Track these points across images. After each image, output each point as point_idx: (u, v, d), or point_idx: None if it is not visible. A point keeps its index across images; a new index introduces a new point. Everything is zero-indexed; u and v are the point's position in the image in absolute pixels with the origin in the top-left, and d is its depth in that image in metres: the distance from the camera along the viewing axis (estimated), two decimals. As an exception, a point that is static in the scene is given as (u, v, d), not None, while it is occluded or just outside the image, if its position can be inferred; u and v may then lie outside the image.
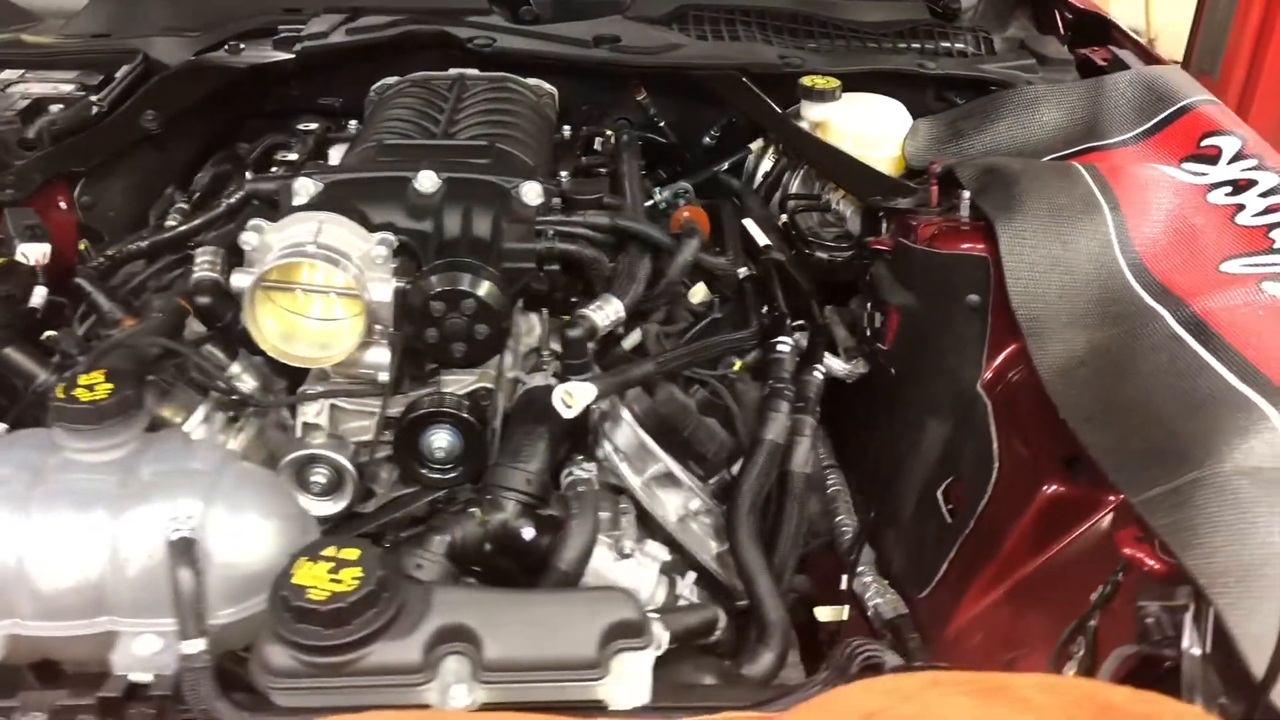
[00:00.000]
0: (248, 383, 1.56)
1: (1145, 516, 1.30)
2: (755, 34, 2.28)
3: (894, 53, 2.31)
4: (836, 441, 2.04)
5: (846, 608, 1.80)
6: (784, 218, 2.11)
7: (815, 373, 1.66)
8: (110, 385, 1.26)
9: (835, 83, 2.08)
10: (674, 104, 2.25)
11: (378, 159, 1.70)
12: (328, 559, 1.13)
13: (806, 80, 2.07)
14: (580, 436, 1.56)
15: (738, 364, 1.62)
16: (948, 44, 2.34)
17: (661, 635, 1.21)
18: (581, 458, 1.54)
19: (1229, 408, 1.38)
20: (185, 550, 1.13)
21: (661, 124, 2.25)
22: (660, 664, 1.23)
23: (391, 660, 1.11)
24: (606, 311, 1.53)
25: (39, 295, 1.67)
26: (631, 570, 1.55)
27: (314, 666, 1.10)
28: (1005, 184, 1.80)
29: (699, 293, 1.86)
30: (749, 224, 1.98)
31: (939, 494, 1.79)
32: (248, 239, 1.49)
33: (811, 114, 2.09)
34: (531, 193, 1.63)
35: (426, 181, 1.61)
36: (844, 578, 1.80)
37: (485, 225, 1.57)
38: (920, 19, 2.42)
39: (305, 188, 1.62)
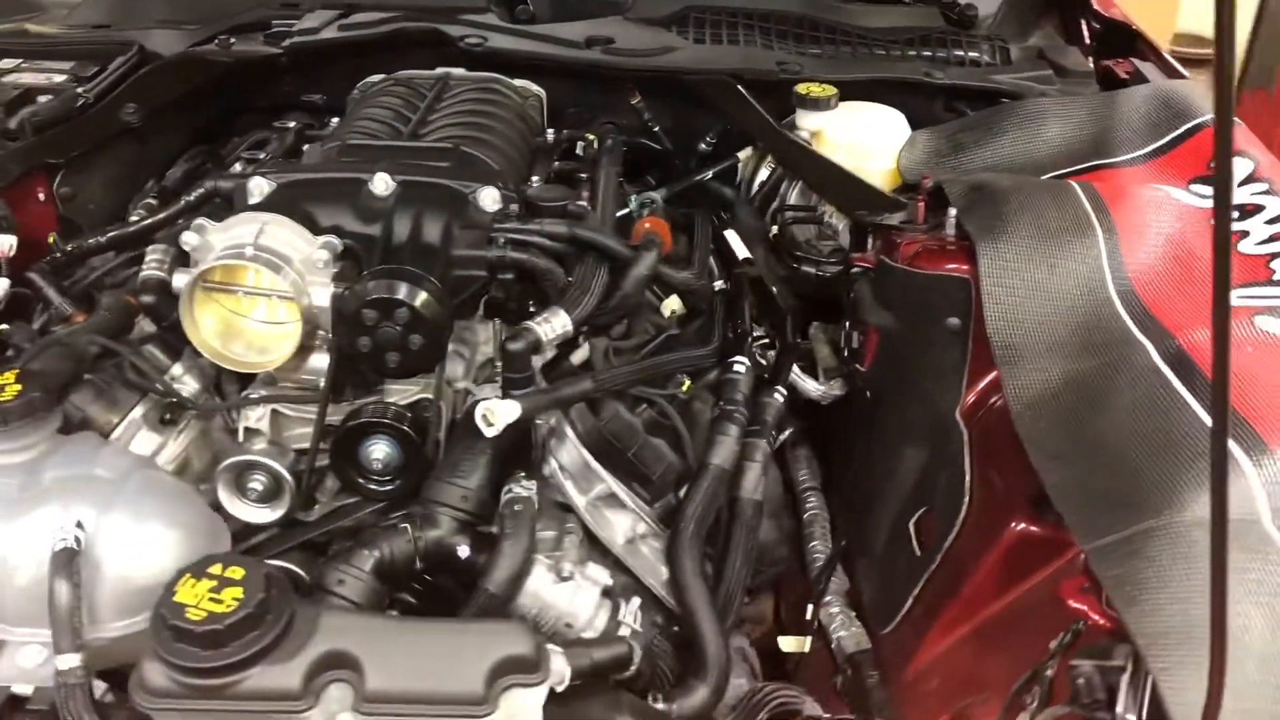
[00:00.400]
0: (189, 385, 1.53)
1: (1094, 565, 1.21)
2: (758, 39, 2.22)
3: (902, 60, 2.22)
4: (822, 463, 1.97)
5: (809, 639, 1.73)
6: (774, 230, 2.03)
7: (775, 395, 1.59)
8: (18, 387, 1.23)
9: (831, 91, 2.00)
10: (669, 109, 2.18)
11: (339, 159, 1.67)
12: (211, 577, 1.09)
13: (801, 88, 2.00)
14: (525, 453, 1.51)
15: (686, 384, 1.55)
16: (960, 53, 2.24)
17: (562, 670, 1.16)
18: (523, 475, 1.49)
19: (1199, 453, 1.28)
20: (65, 562, 1.10)
21: (656, 129, 2.19)
22: (564, 699, 1.18)
23: (270, 685, 1.07)
24: (553, 324, 1.47)
25: (1, 287, 1.66)
26: (570, 593, 1.49)
27: (190, 688, 1.06)
28: (993, 202, 1.71)
29: (671, 306, 1.80)
30: (730, 235, 1.92)
31: (911, 525, 1.70)
32: (188, 238, 1.47)
33: (806, 123, 2.01)
34: (488, 198, 1.58)
35: (380, 184, 1.57)
36: (809, 607, 1.73)
37: (436, 231, 1.52)
38: (933, 26, 2.33)
39: (259, 187, 1.59)
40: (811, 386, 1.80)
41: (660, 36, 2.17)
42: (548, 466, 1.52)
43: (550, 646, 1.17)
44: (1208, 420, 1.34)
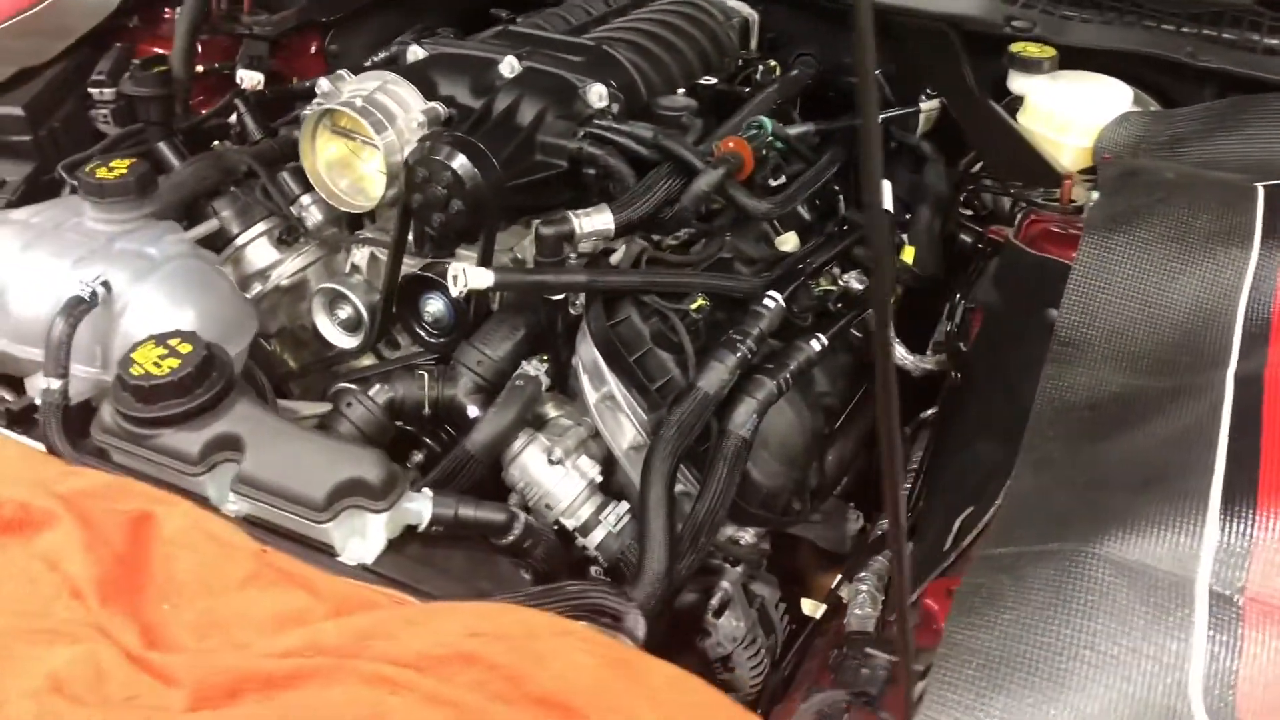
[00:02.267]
0: (314, 215, 1.74)
1: (969, 571, 1.08)
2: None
3: (1173, 35, 1.94)
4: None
5: (822, 606, 1.65)
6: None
7: (810, 343, 1.50)
8: (124, 170, 1.49)
9: (1049, 53, 1.81)
10: (896, 51, 2.07)
11: (492, 40, 1.79)
12: (167, 347, 1.27)
13: (1016, 46, 1.82)
14: (554, 339, 1.57)
15: (699, 301, 1.51)
16: (1258, 37, 1.92)
17: (420, 511, 1.22)
18: (540, 357, 1.55)
19: (1177, 493, 1.08)
20: (71, 307, 1.33)
21: (879, 71, 2.08)
22: (434, 544, 1.25)
23: (175, 446, 1.24)
24: (594, 220, 1.50)
25: (253, 80, 1.96)
26: (558, 477, 1.54)
27: (124, 432, 1.26)
28: (1140, 191, 1.49)
29: (789, 241, 1.75)
30: (885, 185, 1.81)
31: (957, 521, 1.56)
32: (321, 84, 1.66)
33: (1015, 85, 1.84)
34: (595, 94, 1.63)
35: (507, 67, 1.67)
36: (838, 579, 1.65)
37: (530, 114, 1.59)
38: (1239, 3, 2.01)
39: (414, 53, 1.76)
40: (900, 353, 1.69)
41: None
42: (576, 358, 1.57)
43: (422, 493, 1.24)
44: (1217, 467, 1.12)
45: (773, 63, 1.97)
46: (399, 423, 1.57)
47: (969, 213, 1.88)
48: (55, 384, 1.30)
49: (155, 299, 1.39)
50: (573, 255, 1.53)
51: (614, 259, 1.59)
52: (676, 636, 1.66)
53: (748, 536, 1.62)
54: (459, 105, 1.64)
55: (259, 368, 1.56)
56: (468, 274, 1.40)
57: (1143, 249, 1.40)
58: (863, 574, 1.65)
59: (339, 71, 1.68)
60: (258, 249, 1.75)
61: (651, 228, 1.61)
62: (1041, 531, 1.10)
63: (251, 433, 1.23)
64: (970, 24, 1.92)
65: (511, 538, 1.28)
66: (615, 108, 1.63)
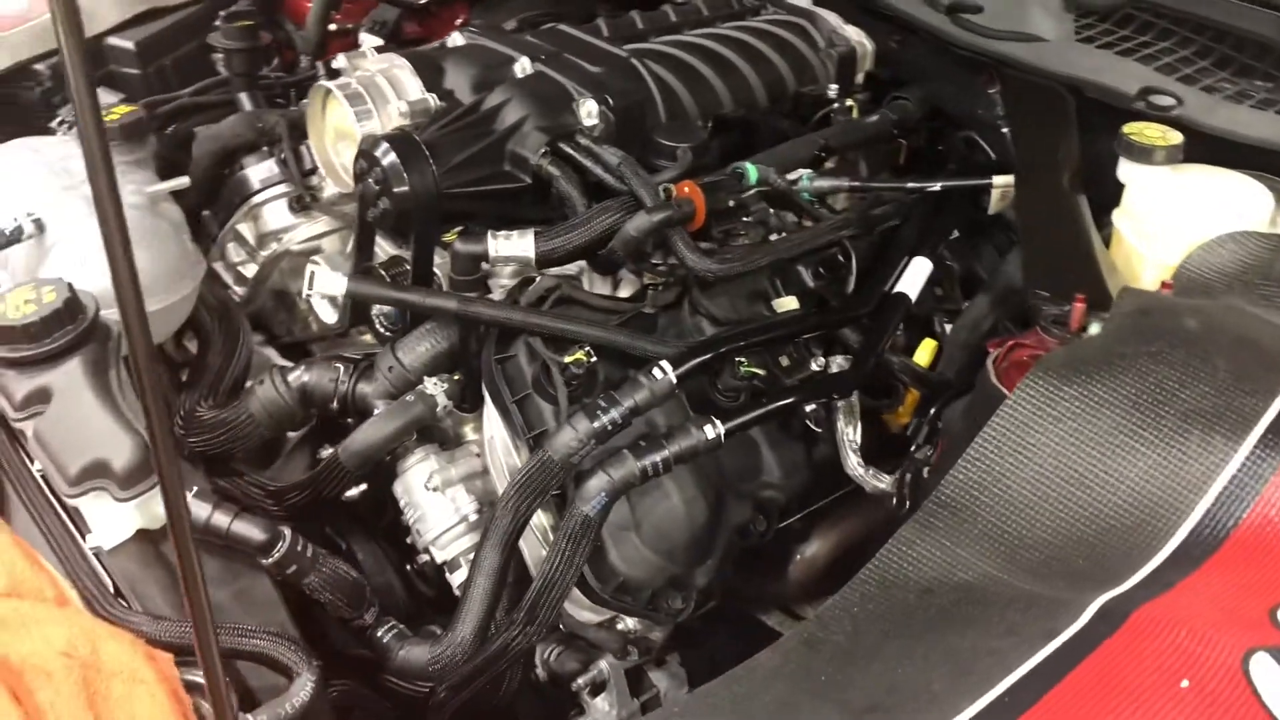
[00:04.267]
0: (330, 187, 1.74)
1: None
2: (1159, 46, 1.66)
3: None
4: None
5: None
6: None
7: (705, 429, 1.29)
8: (118, 115, 1.56)
9: (1171, 139, 1.46)
10: (1010, 110, 1.75)
11: (528, 37, 1.70)
12: (37, 293, 1.32)
13: (1131, 127, 1.48)
14: (467, 359, 1.48)
15: (578, 354, 1.34)
16: None
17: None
18: (447, 375, 1.47)
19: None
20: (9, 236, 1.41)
21: (1005, 131, 1.77)
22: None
23: (6, 386, 1.29)
24: (511, 244, 1.39)
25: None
26: (429, 504, 1.47)
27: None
28: (1138, 337, 1.17)
29: (787, 304, 1.54)
30: (917, 264, 1.54)
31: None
32: (338, 62, 1.65)
33: (1122, 173, 1.50)
34: (586, 110, 1.51)
35: (519, 68, 1.59)
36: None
37: (509, 120, 1.49)
38: None
39: (454, 40, 1.71)
40: (854, 462, 1.44)
41: (1045, 20, 1.74)
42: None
43: (191, 496, 1.21)
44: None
45: (850, 103, 1.72)
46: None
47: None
48: (-35, 307, 1.39)
49: (84, 244, 1.45)
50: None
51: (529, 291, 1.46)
52: (555, 705, 1.55)
53: (630, 624, 1.46)
54: (455, 100, 1.58)
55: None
56: (319, 277, 1.35)
57: (1094, 411, 1.10)
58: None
59: (364, 48, 1.66)
60: (274, 210, 1.79)
61: (605, 265, 1.48)
62: None
63: (63, 392, 1.25)
64: (1094, 91, 1.59)
65: (272, 559, 1.22)
66: (599, 128, 1.49)
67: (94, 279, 1.42)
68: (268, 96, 1.94)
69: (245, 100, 1.91)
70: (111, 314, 1.39)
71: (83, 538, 1.19)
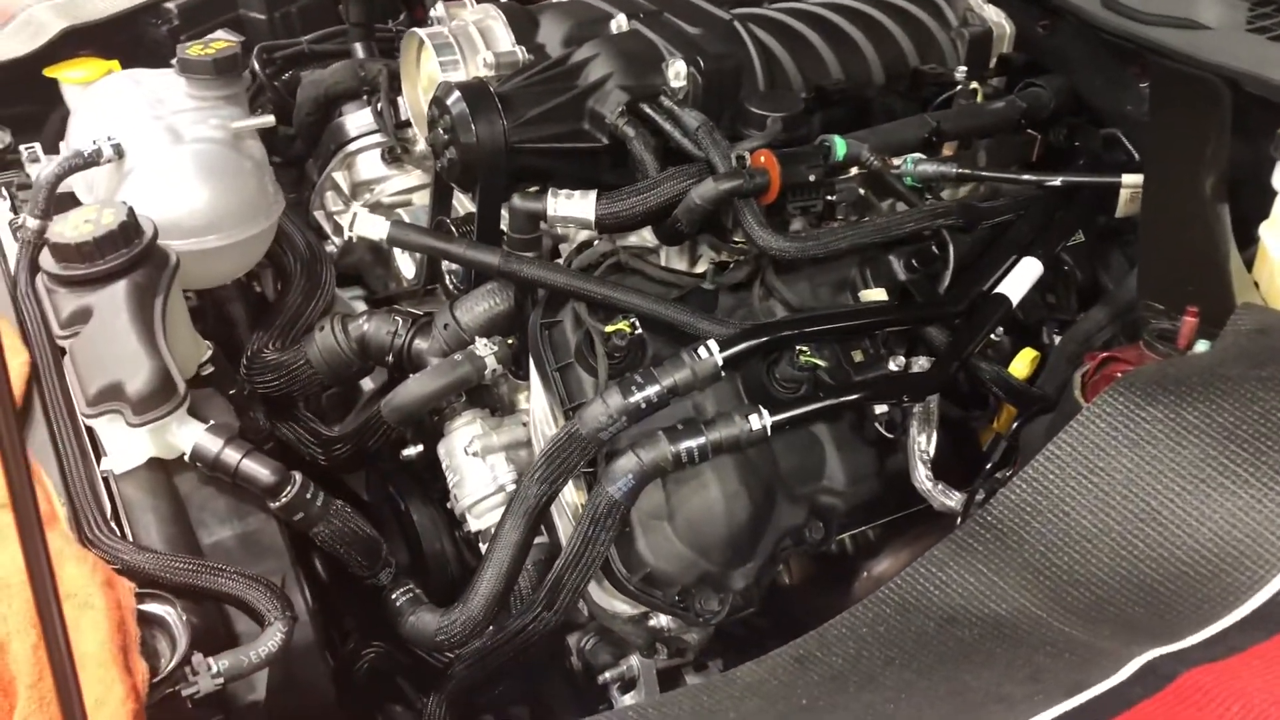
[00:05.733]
0: (421, 142, 1.70)
1: None
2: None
3: None
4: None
5: None
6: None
7: (750, 419, 1.18)
8: (211, 51, 1.56)
9: (1338, 144, 1.26)
10: (1156, 101, 1.56)
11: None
12: (96, 216, 1.32)
13: (1293, 128, 1.29)
14: (521, 323, 1.41)
15: (620, 324, 1.24)
16: None
17: (182, 438, 1.17)
18: (501, 338, 1.40)
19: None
20: (70, 157, 1.42)
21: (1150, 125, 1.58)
22: (210, 482, 1.20)
23: (57, 304, 1.29)
24: (571, 205, 1.31)
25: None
26: (468, 469, 1.42)
27: (44, 280, 1.33)
28: (1256, 358, 1.00)
29: (874, 294, 1.41)
30: (1026, 264, 1.38)
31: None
32: (437, 10, 1.61)
33: (1277, 180, 1.30)
34: (674, 71, 1.41)
35: (614, 25, 1.51)
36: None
37: (593, 77, 1.41)
38: None
39: (556, -8, 1.65)
40: (922, 475, 1.29)
41: (1212, 6, 1.54)
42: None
43: (196, 424, 1.18)
44: None
45: (975, 85, 1.56)
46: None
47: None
48: (32, 223, 1.40)
49: (160, 172, 1.45)
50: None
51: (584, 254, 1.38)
52: (587, 694, 1.46)
53: (664, 621, 1.36)
54: (544, 54, 1.51)
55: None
56: (360, 219, 1.29)
57: (1181, 438, 0.94)
58: None
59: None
60: (368, 160, 1.77)
61: (670, 235, 1.38)
62: None
63: (102, 312, 1.24)
64: (1255, 86, 1.39)
65: (280, 502, 1.18)
66: (687, 90, 1.40)
67: (163, 207, 1.42)
68: (385, 49, 1.92)
69: (359, 50, 1.90)
70: (172, 243, 1.39)
71: (98, 460, 1.18)
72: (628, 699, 1.41)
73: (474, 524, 1.41)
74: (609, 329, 1.25)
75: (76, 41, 1.87)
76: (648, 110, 1.38)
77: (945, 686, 0.84)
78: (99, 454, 1.19)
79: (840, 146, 1.34)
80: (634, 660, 1.40)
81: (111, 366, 1.17)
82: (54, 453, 1.15)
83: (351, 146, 1.76)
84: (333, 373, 1.50)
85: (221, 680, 0.97)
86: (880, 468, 1.37)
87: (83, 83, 1.77)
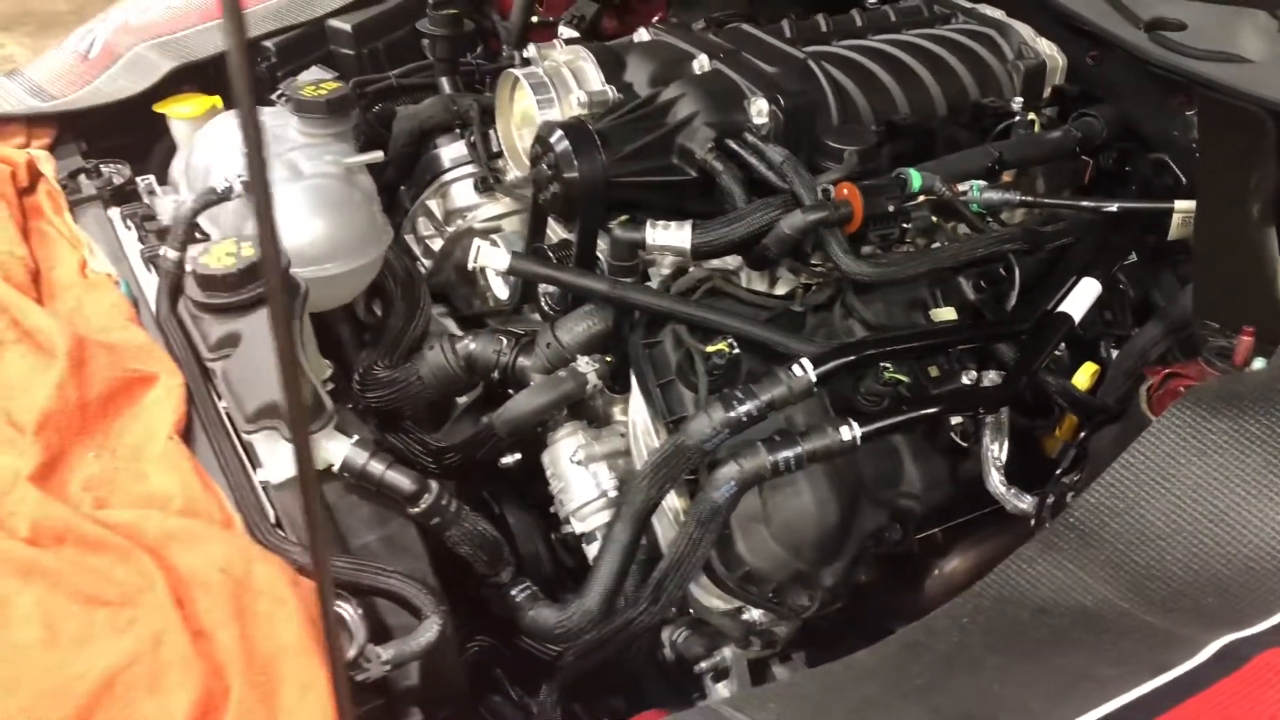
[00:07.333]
0: (513, 171, 1.83)
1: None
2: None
3: None
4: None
5: None
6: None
7: (842, 430, 1.30)
8: (325, 90, 1.69)
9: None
10: (1204, 131, 1.67)
11: (708, 34, 1.74)
12: (237, 248, 1.44)
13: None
14: (620, 341, 1.53)
15: (720, 345, 1.36)
16: None
17: (331, 452, 1.29)
18: (601, 356, 1.53)
19: None
20: (206, 193, 1.55)
21: (1199, 154, 1.69)
22: (353, 490, 1.33)
23: (205, 331, 1.41)
24: (668, 234, 1.43)
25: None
26: (573, 476, 1.54)
27: (187, 309, 1.46)
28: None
29: (944, 314, 1.53)
30: (1085, 284, 1.50)
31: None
32: (529, 51, 1.73)
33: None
34: (756, 109, 1.53)
35: (696, 65, 1.63)
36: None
37: (681, 114, 1.54)
38: None
39: (640, 35, 1.77)
40: (996, 480, 1.41)
41: (1254, 40, 1.65)
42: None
43: (343, 436, 1.31)
44: None
45: (1032, 116, 1.68)
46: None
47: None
48: (172, 254, 1.53)
49: (284, 205, 1.58)
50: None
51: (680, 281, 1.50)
52: (680, 685, 1.59)
53: (756, 615, 1.48)
54: (632, 93, 1.63)
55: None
56: (484, 252, 1.42)
57: (1245, 447, 1.06)
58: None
59: (554, 39, 1.74)
60: (461, 189, 1.89)
61: (759, 261, 1.50)
62: None
63: (251, 337, 1.37)
64: (1300, 118, 1.50)
65: (418, 509, 1.31)
66: (769, 126, 1.52)
67: (287, 238, 1.54)
68: (467, 82, 2.05)
69: (445, 84, 2.02)
70: (300, 271, 1.51)
71: (253, 470, 1.30)
72: (721, 688, 1.53)
73: (578, 526, 1.54)
74: (710, 349, 1.37)
75: (181, 78, 2.00)
76: (734, 146, 1.50)
77: (1041, 669, 0.96)
78: (254, 466, 1.31)
79: (915, 179, 1.46)
80: (727, 651, 1.52)
81: (266, 387, 1.30)
82: (218, 464, 1.28)
83: (447, 176, 1.89)
84: (441, 388, 1.62)
85: (388, 667, 1.10)
86: (952, 473, 1.49)
87: (189, 117, 1.91)
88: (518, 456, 1.64)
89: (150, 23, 2.19)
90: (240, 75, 0.60)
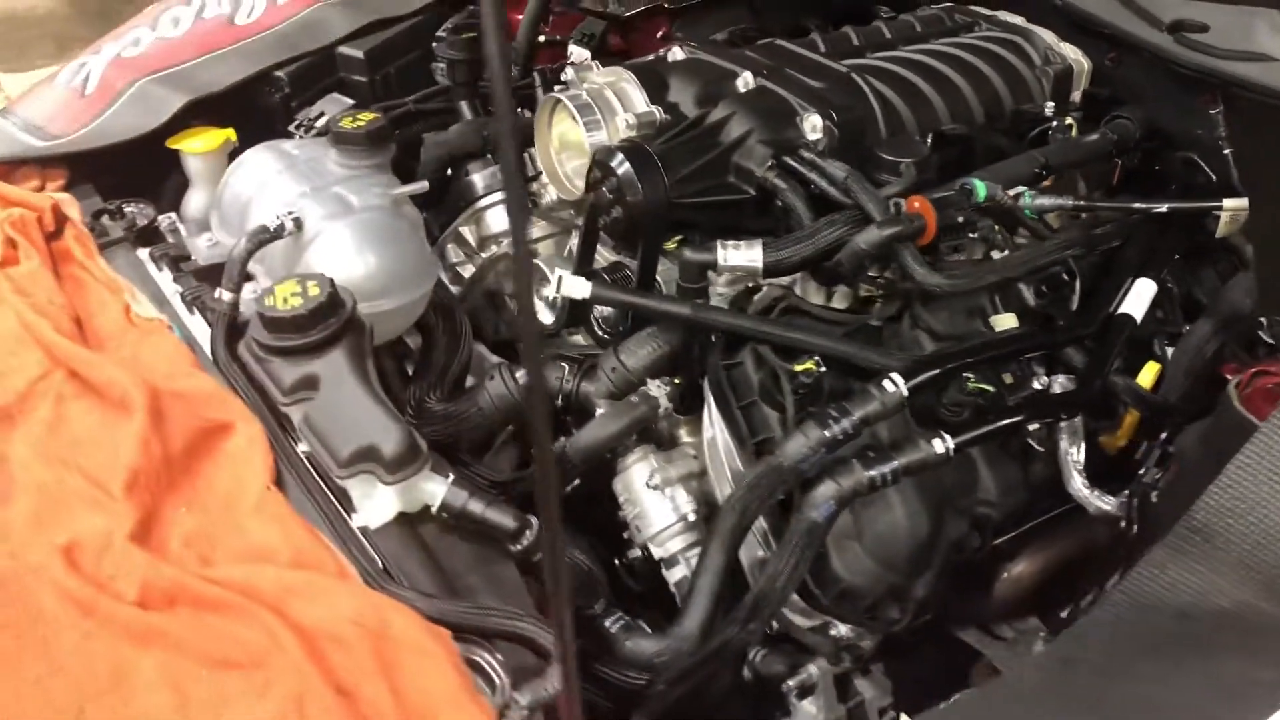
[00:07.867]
0: (550, 194, 1.81)
1: None
2: None
3: None
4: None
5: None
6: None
7: (934, 443, 1.32)
8: (363, 122, 1.66)
9: None
10: (1236, 130, 1.72)
11: (745, 51, 1.74)
12: (302, 287, 1.41)
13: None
14: (689, 363, 1.53)
15: (808, 364, 1.37)
16: None
17: (435, 493, 1.26)
18: (670, 379, 1.52)
19: None
20: (259, 232, 1.51)
21: (1228, 152, 1.74)
22: (449, 530, 1.30)
23: (276, 374, 1.37)
24: (740, 254, 1.43)
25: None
26: (650, 501, 1.53)
27: (252, 353, 1.42)
28: None
29: (1005, 322, 1.55)
30: (1141, 285, 1.53)
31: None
32: (568, 72, 1.72)
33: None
34: (810, 125, 1.54)
35: (741, 82, 1.63)
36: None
37: (735, 133, 1.54)
38: None
39: (675, 54, 1.76)
40: (1078, 483, 1.43)
41: (1276, 38, 1.70)
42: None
43: (441, 477, 1.28)
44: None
45: (1069, 121, 1.71)
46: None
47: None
48: (227, 296, 1.49)
49: (338, 241, 1.54)
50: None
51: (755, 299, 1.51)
52: (758, 705, 1.58)
53: (843, 630, 1.49)
54: (679, 113, 1.63)
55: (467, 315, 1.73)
56: (566, 281, 1.41)
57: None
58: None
59: (587, 61, 1.73)
60: (496, 214, 1.87)
61: (829, 276, 1.50)
62: None
63: (329, 380, 1.34)
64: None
65: (520, 546, 1.29)
66: (824, 142, 1.53)
67: (343, 274, 1.51)
68: (485, 105, 2.03)
69: (465, 109, 2.00)
70: (363, 307, 1.48)
71: (349, 516, 1.27)
72: (806, 704, 1.53)
73: (657, 551, 1.53)
74: (797, 368, 1.37)
75: (193, 111, 1.95)
76: (793, 163, 1.51)
77: (1198, 675, 0.97)
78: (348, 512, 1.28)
79: (980, 189, 1.47)
80: (812, 668, 1.52)
81: (359, 430, 1.27)
82: (318, 513, 1.25)
83: (482, 202, 1.87)
84: (503, 418, 1.60)
85: (526, 713, 1.08)
86: (1025, 478, 1.51)
87: (203, 152, 1.86)
88: (575, 483, 1.62)
89: (144, 55, 2.13)
90: (504, 117, 0.59)
